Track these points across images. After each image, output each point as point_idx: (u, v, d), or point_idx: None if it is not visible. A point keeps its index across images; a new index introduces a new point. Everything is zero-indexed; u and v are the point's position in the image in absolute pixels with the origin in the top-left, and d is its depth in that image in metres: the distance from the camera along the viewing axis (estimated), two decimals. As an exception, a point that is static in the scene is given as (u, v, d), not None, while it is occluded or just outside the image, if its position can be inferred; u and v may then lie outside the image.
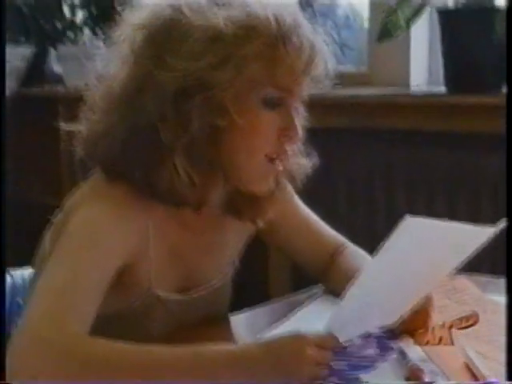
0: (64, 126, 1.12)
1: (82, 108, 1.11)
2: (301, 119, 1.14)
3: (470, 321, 1.11)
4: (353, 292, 0.98)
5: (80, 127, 1.10)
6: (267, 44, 1.04)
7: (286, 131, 1.08)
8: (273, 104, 1.07)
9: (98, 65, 1.15)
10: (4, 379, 0.39)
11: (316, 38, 1.09)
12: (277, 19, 1.04)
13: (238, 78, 1.03)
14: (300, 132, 1.09)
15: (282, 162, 1.11)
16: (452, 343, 1.06)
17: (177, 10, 1.05)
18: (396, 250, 0.93)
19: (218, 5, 1.05)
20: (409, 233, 0.91)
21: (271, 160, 1.09)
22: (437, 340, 1.06)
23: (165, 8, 1.07)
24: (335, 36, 2.33)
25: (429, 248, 0.96)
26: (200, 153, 1.05)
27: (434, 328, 1.06)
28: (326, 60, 1.11)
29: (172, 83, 1.02)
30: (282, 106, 1.08)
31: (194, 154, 1.05)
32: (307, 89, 1.11)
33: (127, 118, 1.05)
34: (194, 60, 1.02)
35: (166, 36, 1.05)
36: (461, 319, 1.10)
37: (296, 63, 1.06)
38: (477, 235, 0.98)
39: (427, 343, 1.05)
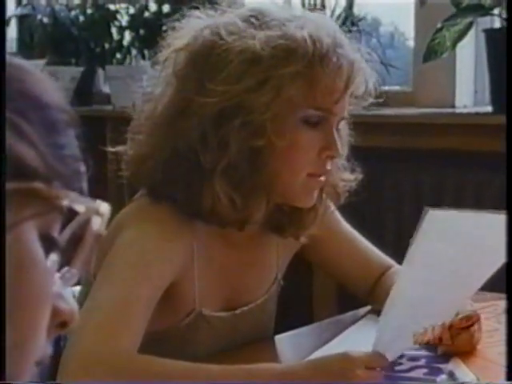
0: (111, 147, 1.14)
1: (129, 128, 1.12)
2: (343, 136, 1.14)
3: (470, 321, 1.08)
4: (391, 306, 0.97)
5: (126, 148, 1.12)
6: (304, 65, 1.04)
7: (326, 150, 1.08)
8: (313, 123, 1.07)
9: (145, 85, 1.17)
10: (4, 379, 0.40)
11: (356, 56, 1.09)
12: (314, 40, 1.05)
13: (276, 100, 1.03)
14: (341, 150, 1.09)
15: (324, 178, 1.12)
16: (452, 343, 1.04)
17: (215, 32, 1.06)
18: (425, 250, 0.90)
19: (254, 26, 1.06)
20: (436, 229, 0.87)
21: (313, 176, 1.10)
22: (437, 340, 1.04)
23: (204, 29, 1.08)
24: (380, 55, 2.32)
25: (457, 240, 0.91)
26: (240, 174, 1.05)
27: (434, 328, 1.05)
28: (367, 79, 1.11)
29: (211, 108, 1.03)
30: (323, 125, 1.08)
31: (235, 176, 1.05)
32: (349, 107, 1.11)
33: (169, 140, 1.06)
34: (231, 84, 1.03)
35: (205, 59, 1.06)
36: (461, 319, 1.07)
37: (335, 83, 1.06)
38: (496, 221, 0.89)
39: (427, 343, 1.04)
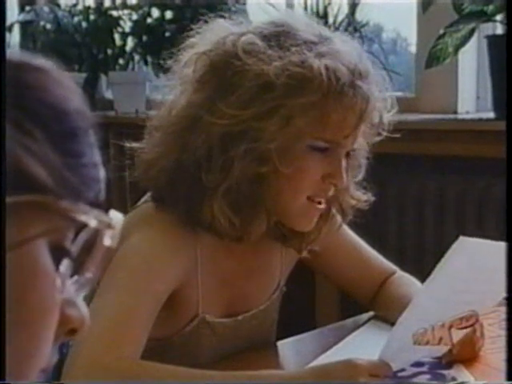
0: (114, 153, 1.13)
1: (146, 127, 1.12)
2: (358, 161, 1.13)
3: (469, 321, 1.08)
4: (406, 318, 0.97)
5: (141, 146, 1.11)
6: (318, 97, 1.01)
7: (330, 177, 1.07)
8: (320, 149, 1.06)
9: (148, 91, 1.17)
10: (4, 379, 0.40)
11: (373, 92, 1.05)
12: (330, 72, 1.01)
13: (284, 130, 1.01)
14: (345, 180, 1.07)
15: (324, 203, 1.11)
16: (452, 343, 1.04)
17: (233, 50, 1.04)
18: (450, 271, 0.92)
19: (273, 48, 1.03)
20: (462, 253, 0.90)
21: (313, 201, 1.09)
22: (437, 340, 1.04)
23: (227, 37, 1.06)
24: (382, 61, 2.32)
25: (482, 269, 0.94)
26: (241, 197, 1.05)
27: (434, 328, 1.05)
28: (381, 113, 1.09)
29: (218, 129, 1.02)
30: (330, 152, 1.06)
31: (235, 199, 1.04)
32: (362, 138, 1.10)
33: (175, 151, 1.06)
34: (241, 109, 1.01)
35: (220, 75, 1.04)
36: (461, 319, 1.07)
37: (346, 119, 1.04)
38: None
39: (427, 343, 1.04)
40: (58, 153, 0.41)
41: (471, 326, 1.08)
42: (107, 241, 0.43)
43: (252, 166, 1.03)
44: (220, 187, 1.03)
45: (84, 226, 0.43)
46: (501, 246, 0.92)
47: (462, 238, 0.90)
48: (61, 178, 0.41)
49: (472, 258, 0.92)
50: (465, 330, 1.06)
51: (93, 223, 0.43)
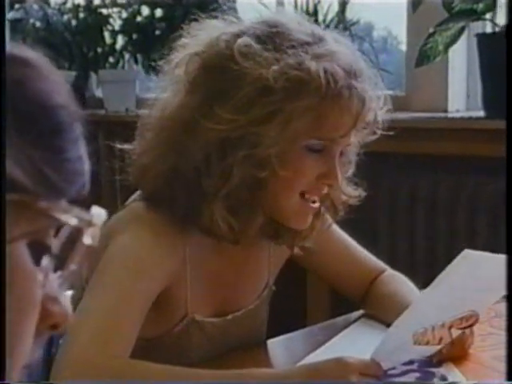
0: (104, 152, 1.13)
1: (138, 128, 1.11)
2: (349, 157, 1.13)
3: (469, 321, 1.09)
4: (403, 321, 0.98)
5: (132, 147, 1.10)
6: (315, 101, 1.01)
7: (325, 177, 1.07)
8: (316, 149, 1.06)
9: (138, 89, 1.16)
10: (4, 379, 0.40)
11: (369, 92, 1.06)
12: (328, 75, 1.01)
13: (282, 134, 1.01)
14: (339, 179, 1.08)
15: (319, 200, 1.11)
16: (452, 343, 1.05)
17: (229, 52, 1.03)
18: (452, 282, 0.93)
19: (270, 50, 1.03)
20: (466, 266, 0.91)
21: (307, 199, 1.09)
22: (437, 340, 1.05)
23: (220, 37, 1.05)
24: (373, 60, 2.32)
25: (484, 279, 0.95)
26: (240, 201, 1.05)
27: (434, 328, 1.05)
28: (377, 114, 1.09)
29: (217, 134, 1.01)
30: (326, 151, 1.07)
31: (234, 203, 1.04)
32: (355, 136, 1.10)
33: (172, 155, 1.05)
34: (239, 114, 1.01)
35: (216, 78, 1.03)
36: (461, 319, 1.08)
37: (343, 120, 1.04)
38: None
39: (427, 343, 1.04)
40: (39, 149, 0.41)
41: (471, 325, 1.08)
42: (87, 239, 0.43)
43: (251, 171, 1.03)
44: (219, 192, 1.03)
45: (65, 223, 0.42)
46: (503, 259, 0.92)
47: (466, 251, 0.91)
48: (40, 176, 0.41)
49: (474, 270, 0.93)
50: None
51: (73, 222, 0.42)
